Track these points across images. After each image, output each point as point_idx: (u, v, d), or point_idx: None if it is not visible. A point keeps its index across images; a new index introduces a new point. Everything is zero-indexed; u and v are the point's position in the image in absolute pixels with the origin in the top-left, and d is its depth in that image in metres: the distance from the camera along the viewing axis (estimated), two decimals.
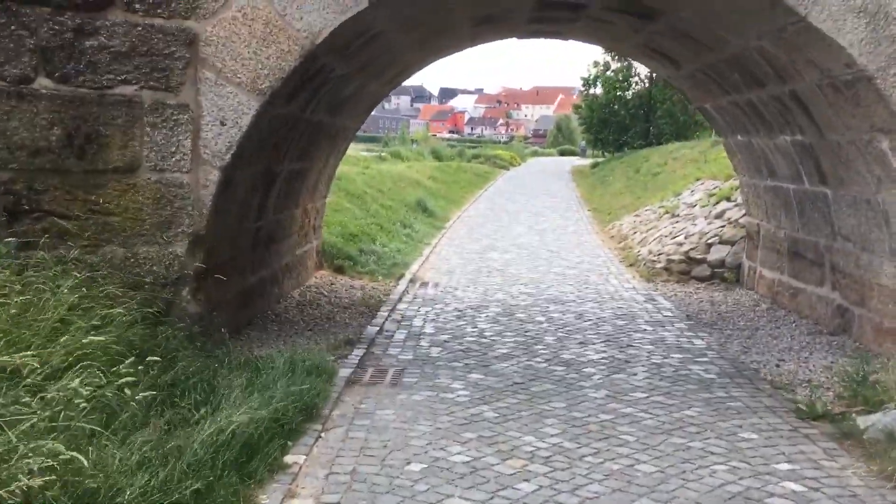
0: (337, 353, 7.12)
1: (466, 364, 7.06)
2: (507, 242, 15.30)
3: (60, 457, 3.52)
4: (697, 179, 15.84)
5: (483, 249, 14.35)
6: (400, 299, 9.73)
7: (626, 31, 9.33)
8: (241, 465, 4.46)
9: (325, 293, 9.74)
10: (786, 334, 8.23)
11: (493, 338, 8.04)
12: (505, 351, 7.53)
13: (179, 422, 4.84)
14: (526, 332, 8.32)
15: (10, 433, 3.55)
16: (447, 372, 6.80)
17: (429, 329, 8.35)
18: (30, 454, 3.46)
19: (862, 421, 5.59)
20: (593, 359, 7.32)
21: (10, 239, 5.77)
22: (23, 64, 6.02)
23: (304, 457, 4.88)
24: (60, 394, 4.02)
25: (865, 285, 7.52)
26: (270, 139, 7.31)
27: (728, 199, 12.51)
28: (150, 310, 5.82)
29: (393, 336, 7.98)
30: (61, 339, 4.56)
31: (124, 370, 4.57)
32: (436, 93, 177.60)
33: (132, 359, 4.73)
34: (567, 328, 8.50)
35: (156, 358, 4.87)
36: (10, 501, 3.25)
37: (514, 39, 11.01)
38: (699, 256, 11.36)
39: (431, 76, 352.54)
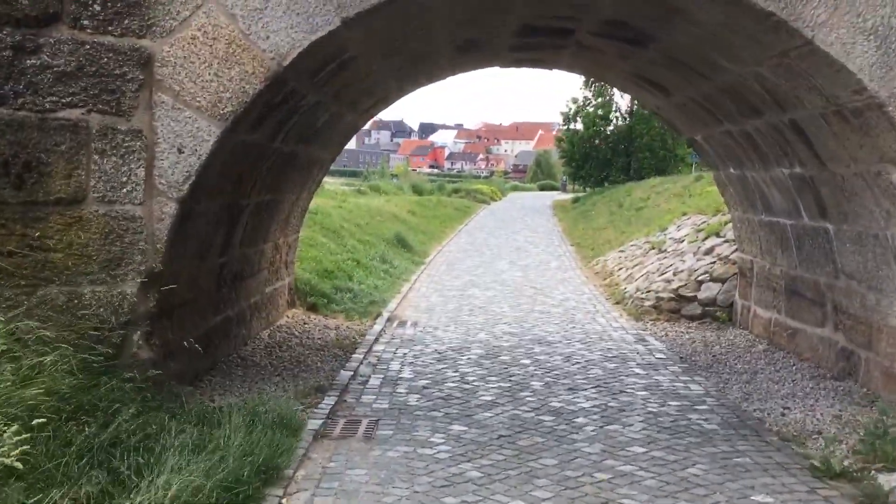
0: (306, 401, 6.59)
1: (447, 414, 6.48)
2: (489, 279, 14.95)
3: None
4: (684, 214, 15.48)
5: (464, 286, 13.96)
6: (376, 340, 9.23)
7: (614, 59, 8.89)
8: None
9: (297, 334, 9.25)
10: (787, 379, 7.71)
11: (475, 383, 7.50)
12: (489, 398, 6.97)
13: (117, 488, 4.18)
14: (511, 376, 7.80)
15: None
16: (426, 423, 6.20)
17: (406, 373, 7.80)
18: None
19: (885, 481, 5.03)
20: (584, 407, 6.76)
21: None
22: None
23: None
24: None
25: (873, 327, 7.01)
26: (235, 169, 6.82)
27: (717, 235, 12.09)
28: (94, 357, 5.17)
29: (368, 381, 7.45)
30: None
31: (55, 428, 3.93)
32: (416, 128, 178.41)
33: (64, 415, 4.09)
34: (554, 372, 7.98)
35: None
36: None
37: (495, 70, 10.56)
38: (689, 294, 10.92)
39: (412, 111, 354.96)
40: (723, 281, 10.81)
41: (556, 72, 10.86)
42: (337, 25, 5.96)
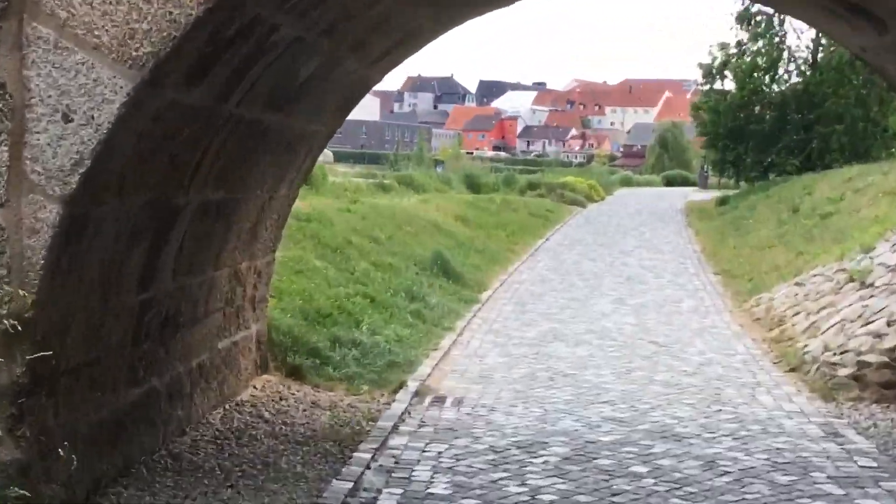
0: None
1: None
2: (582, 327, 15.21)
3: None
4: None
5: (541, 339, 14.21)
6: (395, 428, 9.31)
7: None
8: None
9: (268, 416, 9.41)
10: None
11: None
12: None
13: None
14: (614, 495, 7.66)
15: None
16: None
17: (441, 487, 7.75)
18: None
19: None
20: None
21: None
22: None
23: None
24: None
25: None
26: (163, 148, 6.80)
27: None
28: None
29: (377, 502, 7.43)
30: None
31: None
32: (473, 89, 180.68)
33: None
34: (688, 488, 7.84)
35: None
36: None
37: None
38: None
39: (466, 63, 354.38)
40: None
41: None
42: None
